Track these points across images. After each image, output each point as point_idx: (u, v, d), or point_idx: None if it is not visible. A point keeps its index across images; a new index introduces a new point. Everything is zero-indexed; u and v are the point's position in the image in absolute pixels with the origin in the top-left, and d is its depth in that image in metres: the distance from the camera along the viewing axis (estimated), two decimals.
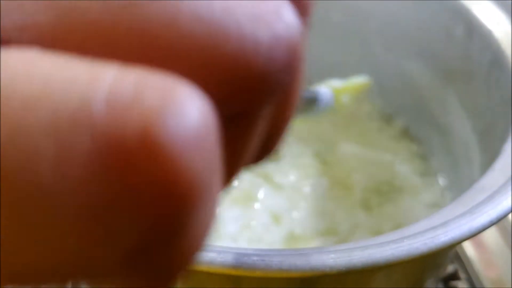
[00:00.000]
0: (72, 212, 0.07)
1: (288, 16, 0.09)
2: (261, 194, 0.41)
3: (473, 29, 0.38)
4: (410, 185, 0.42)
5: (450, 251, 0.33)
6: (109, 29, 0.08)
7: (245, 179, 0.42)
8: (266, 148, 0.12)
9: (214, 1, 0.09)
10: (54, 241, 0.07)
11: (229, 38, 0.09)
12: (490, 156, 0.31)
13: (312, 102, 0.37)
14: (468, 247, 0.40)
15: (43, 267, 0.08)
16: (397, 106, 0.46)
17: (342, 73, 0.40)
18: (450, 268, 0.40)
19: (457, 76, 0.40)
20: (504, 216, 0.25)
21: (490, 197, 0.26)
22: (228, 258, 0.23)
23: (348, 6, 0.45)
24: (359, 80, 0.40)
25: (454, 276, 0.40)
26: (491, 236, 0.41)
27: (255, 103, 0.10)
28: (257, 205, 0.40)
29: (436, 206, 0.41)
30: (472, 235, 0.24)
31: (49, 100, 0.07)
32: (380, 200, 0.41)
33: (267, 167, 0.42)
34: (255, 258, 0.23)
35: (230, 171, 0.10)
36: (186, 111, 0.08)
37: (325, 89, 0.38)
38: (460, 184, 0.39)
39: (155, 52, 0.08)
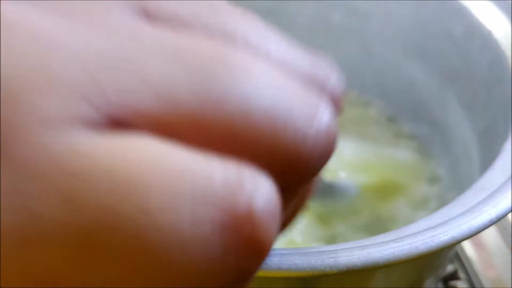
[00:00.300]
0: (197, 258, 0.10)
1: (328, 115, 0.12)
2: None
3: (473, 29, 0.38)
4: (410, 186, 0.42)
5: (450, 251, 0.33)
6: (202, 120, 0.11)
7: None
8: (285, 224, 0.14)
9: (278, 99, 0.11)
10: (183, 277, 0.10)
11: (286, 130, 0.11)
12: (490, 156, 0.31)
13: (335, 191, 0.38)
14: (468, 247, 0.40)
15: None
16: (396, 106, 0.46)
17: (342, 73, 0.40)
18: (449, 268, 0.40)
19: (457, 76, 0.40)
20: (504, 215, 0.25)
21: (490, 197, 0.26)
22: None
23: (348, 6, 0.45)
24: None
25: (453, 276, 0.40)
26: (491, 236, 0.41)
27: (298, 181, 0.12)
28: None
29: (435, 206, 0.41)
30: (472, 235, 0.24)
31: (187, 180, 0.10)
32: (380, 201, 0.41)
33: None
34: None
35: None
36: (267, 194, 0.11)
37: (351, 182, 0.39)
38: (460, 184, 0.39)
39: (232, 142, 0.11)
